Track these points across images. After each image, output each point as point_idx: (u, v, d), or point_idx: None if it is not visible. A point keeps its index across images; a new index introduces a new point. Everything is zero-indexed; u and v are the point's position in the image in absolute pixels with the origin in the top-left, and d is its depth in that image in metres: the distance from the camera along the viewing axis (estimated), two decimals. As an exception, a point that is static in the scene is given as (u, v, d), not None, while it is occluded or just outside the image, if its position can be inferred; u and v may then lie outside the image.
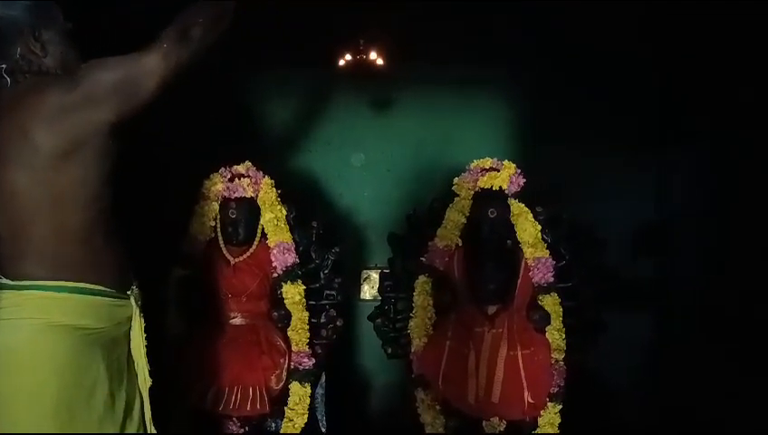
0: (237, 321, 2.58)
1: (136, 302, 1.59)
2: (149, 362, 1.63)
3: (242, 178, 2.59)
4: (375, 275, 3.13)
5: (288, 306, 2.52)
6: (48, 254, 1.47)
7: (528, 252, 2.57)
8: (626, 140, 3.15)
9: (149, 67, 1.47)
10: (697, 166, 3.12)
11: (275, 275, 2.55)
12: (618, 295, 2.77)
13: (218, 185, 2.59)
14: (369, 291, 3.22)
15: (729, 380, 2.70)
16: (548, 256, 2.56)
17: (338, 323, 2.59)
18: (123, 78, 1.47)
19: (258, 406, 2.44)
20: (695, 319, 3.03)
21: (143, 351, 1.61)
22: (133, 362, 1.60)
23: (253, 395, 2.44)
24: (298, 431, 2.46)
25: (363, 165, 3.24)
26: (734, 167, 2.87)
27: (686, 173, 3.17)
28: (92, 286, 1.50)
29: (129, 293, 1.59)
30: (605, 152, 3.13)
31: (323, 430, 2.62)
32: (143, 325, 1.61)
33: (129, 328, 1.60)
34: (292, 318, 2.52)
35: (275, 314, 2.53)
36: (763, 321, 2.66)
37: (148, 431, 1.60)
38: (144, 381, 1.60)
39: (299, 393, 2.46)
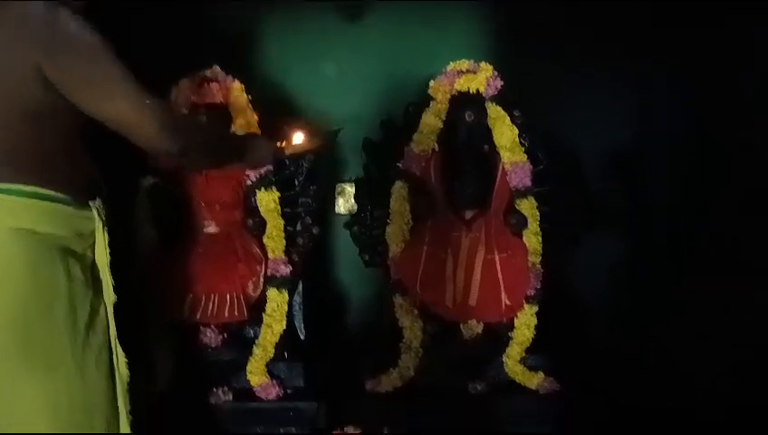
0: (211, 229, 2.54)
1: (99, 215, 1.52)
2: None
3: (210, 84, 2.51)
4: (349, 189, 3.08)
5: (263, 214, 2.48)
6: None
7: (505, 156, 2.55)
8: (607, 54, 3.08)
9: (143, 108, 1.38)
10: (681, 85, 3.08)
11: (249, 182, 2.49)
12: (593, 214, 2.79)
13: (186, 91, 2.50)
14: (343, 205, 3.17)
15: (702, 305, 2.77)
16: (525, 160, 2.55)
17: (314, 230, 2.56)
18: (108, 77, 1.37)
19: (236, 313, 2.43)
20: (671, 242, 3.05)
21: (107, 266, 1.54)
22: (99, 279, 1.54)
23: (230, 302, 2.43)
24: (277, 338, 2.45)
25: (335, 78, 3.15)
26: (719, 87, 2.85)
27: (669, 92, 3.13)
28: (47, 192, 1.42)
29: (91, 205, 1.52)
30: (584, 66, 3.06)
31: (302, 337, 2.63)
32: (107, 239, 1.54)
33: (94, 242, 1.53)
34: (268, 226, 2.48)
35: (250, 221, 2.50)
36: (741, 246, 2.72)
37: (114, 350, 1.54)
38: (109, 297, 1.54)
39: (276, 300, 2.45)
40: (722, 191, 2.87)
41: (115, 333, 1.53)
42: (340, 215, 3.12)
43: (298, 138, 1.84)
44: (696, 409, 2.66)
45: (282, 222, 2.49)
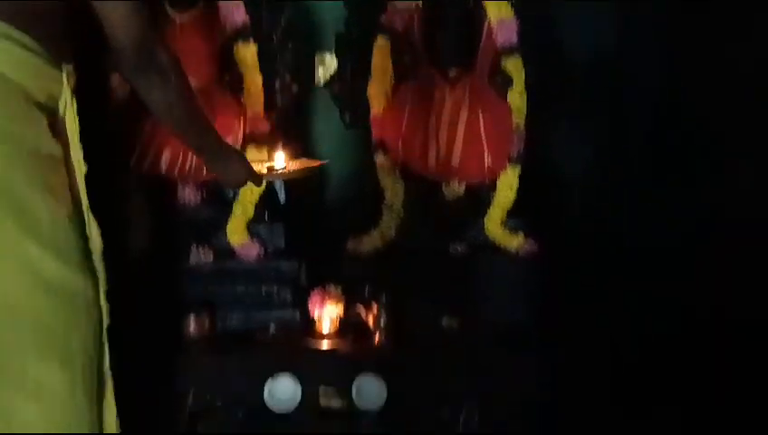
0: (187, 84, 2.44)
1: (68, 80, 1.43)
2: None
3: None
4: (329, 58, 2.98)
5: (241, 68, 2.39)
6: None
7: (492, 12, 2.46)
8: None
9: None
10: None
11: (225, 34, 2.39)
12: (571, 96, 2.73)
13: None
14: (323, 76, 3.08)
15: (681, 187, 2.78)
16: (513, 16, 2.46)
17: (293, 89, 2.48)
18: None
19: (214, 170, 2.38)
20: (655, 124, 3.02)
21: (77, 134, 1.45)
22: (68, 145, 1.46)
23: (208, 159, 2.36)
24: (257, 198, 2.41)
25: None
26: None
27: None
28: (21, 35, 1.32)
29: (63, 67, 1.42)
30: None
31: (282, 201, 2.59)
32: (75, 105, 1.45)
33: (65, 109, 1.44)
34: (245, 81, 2.39)
35: (227, 76, 2.41)
36: (724, 132, 2.70)
37: (86, 219, 1.47)
38: (79, 165, 1.46)
39: (256, 158, 2.39)
40: (709, 78, 2.83)
41: (86, 203, 1.46)
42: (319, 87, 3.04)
43: (280, 162, 1.73)
44: (667, 282, 2.72)
45: (260, 77, 2.40)
